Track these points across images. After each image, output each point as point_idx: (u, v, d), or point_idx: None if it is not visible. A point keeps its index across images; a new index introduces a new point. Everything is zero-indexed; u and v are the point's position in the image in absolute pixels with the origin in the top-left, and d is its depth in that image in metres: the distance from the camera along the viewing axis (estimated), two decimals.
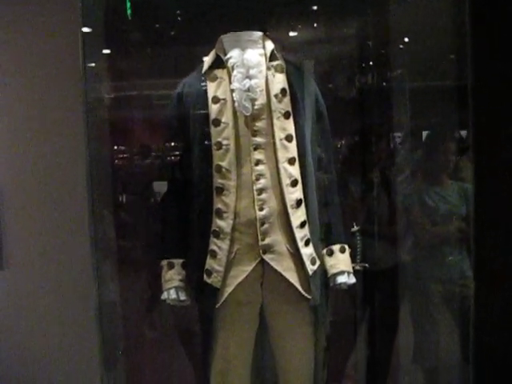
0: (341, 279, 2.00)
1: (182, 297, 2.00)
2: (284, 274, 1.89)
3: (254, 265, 1.88)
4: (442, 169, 2.69)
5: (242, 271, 1.88)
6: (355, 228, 2.24)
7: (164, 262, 2.02)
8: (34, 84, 2.09)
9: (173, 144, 2.07)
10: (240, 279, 1.88)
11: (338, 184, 2.14)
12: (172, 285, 1.99)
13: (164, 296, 2.01)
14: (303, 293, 1.93)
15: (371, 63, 2.86)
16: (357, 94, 2.87)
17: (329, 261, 2.02)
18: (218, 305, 1.90)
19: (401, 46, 2.82)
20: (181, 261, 2.01)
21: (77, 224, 2.09)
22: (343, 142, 2.87)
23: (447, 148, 2.68)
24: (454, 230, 2.55)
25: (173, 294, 1.99)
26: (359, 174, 2.60)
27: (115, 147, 2.73)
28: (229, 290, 1.89)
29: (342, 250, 2.03)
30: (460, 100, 2.26)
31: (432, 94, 2.74)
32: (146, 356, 2.69)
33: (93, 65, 2.17)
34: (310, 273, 1.93)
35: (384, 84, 2.87)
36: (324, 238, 2.03)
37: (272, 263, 1.88)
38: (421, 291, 2.69)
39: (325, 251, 2.03)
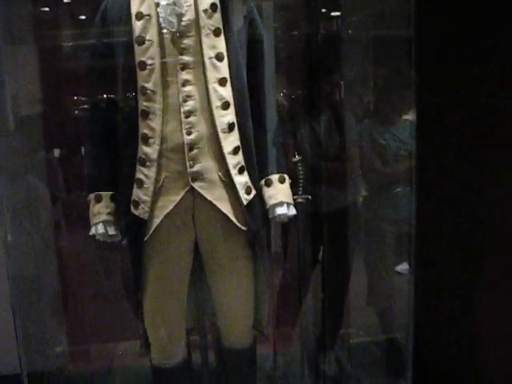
0: (280, 210, 1.89)
1: (111, 231, 1.87)
2: (216, 203, 1.77)
3: (182, 194, 1.76)
4: (393, 108, 2.60)
5: (170, 201, 1.76)
6: (297, 158, 2.11)
7: (91, 196, 1.89)
8: None
9: (98, 68, 1.90)
10: (168, 210, 1.76)
11: (280, 115, 2.02)
12: (100, 219, 1.86)
13: (92, 231, 1.89)
14: (238, 224, 1.81)
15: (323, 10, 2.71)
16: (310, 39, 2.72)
17: (267, 191, 1.90)
18: (147, 237, 1.78)
19: None
20: (109, 193, 1.88)
21: None
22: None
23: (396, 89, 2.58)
24: (404, 168, 2.45)
25: (100, 229, 1.86)
26: (308, 109, 2.47)
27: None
28: (157, 221, 1.77)
29: (282, 180, 1.92)
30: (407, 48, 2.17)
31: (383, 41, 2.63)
32: (77, 296, 2.59)
33: None
34: (245, 203, 1.81)
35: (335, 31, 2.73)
36: (262, 168, 1.90)
37: (202, 192, 1.76)
38: (372, 232, 2.62)
39: (263, 182, 1.91)
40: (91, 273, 2.59)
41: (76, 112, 2.47)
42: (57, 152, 2.64)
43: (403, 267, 2.57)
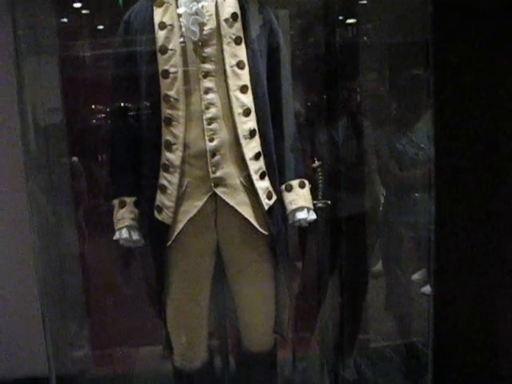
0: (300, 215, 1.92)
1: (135, 236, 1.91)
2: (237, 208, 1.80)
3: (205, 199, 1.79)
4: (411, 113, 2.62)
5: (193, 206, 1.79)
6: (317, 163, 2.14)
7: (115, 201, 1.93)
8: None
9: (121, 77, 1.95)
10: (191, 214, 1.79)
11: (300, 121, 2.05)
12: (124, 224, 1.90)
13: (116, 236, 1.92)
14: (259, 229, 1.84)
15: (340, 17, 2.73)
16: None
17: (287, 196, 1.93)
18: (170, 242, 1.82)
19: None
20: (133, 199, 1.91)
21: None
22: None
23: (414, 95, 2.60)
24: (422, 173, 2.47)
25: (124, 234, 1.90)
26: (327, 115, 2.50)
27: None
28: (180, 226, 1.80)
29: (302, 185, 1.94)
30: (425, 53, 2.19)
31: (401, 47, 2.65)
32: (100, 301, 2.63)
33: None
34: (266, 207, 1.84)
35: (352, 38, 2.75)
36: (282, 173, 1.93)
37: (224, 197, 1.79)
38: (391, 237, 2.63)
39: (283, 187, 1.94)
40: (115, 278, 2.63)
41: (99, 120, 2.52)
42: (80, 159, 2.69)
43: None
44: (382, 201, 2.61)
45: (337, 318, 2.66)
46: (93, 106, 2.53)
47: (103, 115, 2.44)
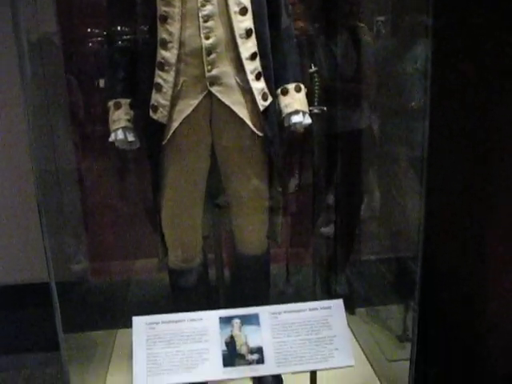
0: (295, 119, 1.93)
1: (130, 138, 1.92)
2: (233, 107, 1.81)
3: (200, 98, 1.79)
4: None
5: (189, 105, 1.80)
6: (313, 69, 2.13)
7: (110, 103, 1.92)
8: None
9: None
10: (186, 113, 1.80)
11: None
12: (119, 125, 1.91)
13: (111, 138, 1.93)
14: (254, 129, 1.86)
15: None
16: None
17: (283, 100, 1.93)
18: (165, 141, 1.83)
19: None
20: (128, 100, 1.91)
21: None
22: None
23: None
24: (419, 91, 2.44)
25: (120, 135, 1.91)
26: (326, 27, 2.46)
27: None
28: (175, 125, 1.81)
29: (298, 89, 1.94)
30: None
31: None
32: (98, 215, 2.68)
33: None
34: (261, 108, 1.85)
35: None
36: (278, 76, 1.92)
37: (220, 96, 1.79)
38: (386, 154, 2.64)
39: (279, 90, 1.94)
40: (112, 191, 2.66)
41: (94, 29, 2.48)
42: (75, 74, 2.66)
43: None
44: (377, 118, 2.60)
45: (331, 232, 2.70)
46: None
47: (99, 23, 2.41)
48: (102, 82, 2.46)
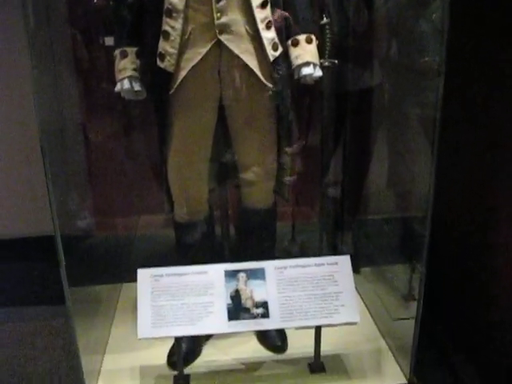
0: (306, 71, 1.87)
1: (137, 87, 1.88)
2: (242, 56, 1.76)
3: (209, 46, 1.74)
4: None
5: (197, 53, 1.75)
6: (325, 20, 2.06)
7: (117, 51, 1.87)
8: None
9: None
10: (194, 62, 1.75)
11: None
12: (125, 74, 1.86)
13: (117, 87, 1.89)
14: (263, 80, 1.81)
15: None
16: None
17: (294, 51, 1.88)
18: (172, 91, 1.79)
19: None
20: (135, 49, 1.86)
21: None
22: None
23: None
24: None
25: (126, 84, 1.86)
26: None
27: None
28: (183, 73, 1.77)
29: (309, 41, 1.88)
30: None
31: None
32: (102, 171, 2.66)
33: None
34: (271, 59, 1.80)
35: None
36: (289, 27, 1.86)
37: (229, 44, 1.74)
38: (396, 114, 2.58)
39: (290, 41, 1.88)
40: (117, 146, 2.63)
41: None
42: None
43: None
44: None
45: (338, 191, 2.67)
46: None
47: None
48: (106, 40, 2.42)
